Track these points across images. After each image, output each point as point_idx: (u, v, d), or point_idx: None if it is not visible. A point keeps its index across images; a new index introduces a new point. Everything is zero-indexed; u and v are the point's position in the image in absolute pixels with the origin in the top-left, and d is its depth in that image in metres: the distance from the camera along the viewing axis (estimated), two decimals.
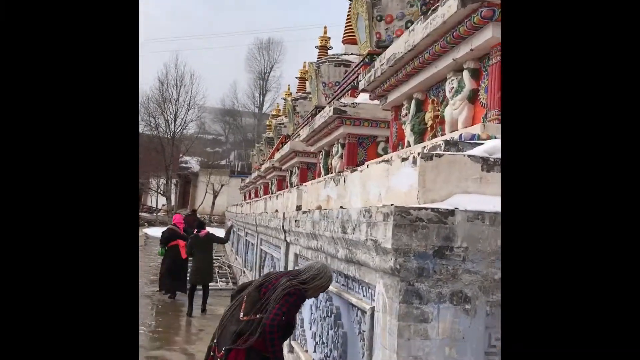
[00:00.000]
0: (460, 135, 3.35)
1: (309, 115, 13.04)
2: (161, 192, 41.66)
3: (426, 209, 2.63)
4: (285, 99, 22.12)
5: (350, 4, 9.52)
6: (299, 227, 5.17)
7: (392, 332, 2.72)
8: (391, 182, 3.19)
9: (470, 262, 2.68)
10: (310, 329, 4.93)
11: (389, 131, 7.04)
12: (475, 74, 3.98)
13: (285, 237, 6.42)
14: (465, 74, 4.02)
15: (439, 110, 4.56)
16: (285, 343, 5.12)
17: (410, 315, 2.67)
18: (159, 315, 10.48)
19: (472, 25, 3.64)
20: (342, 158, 7.75)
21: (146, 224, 32.55)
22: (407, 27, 7.85)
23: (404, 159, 3.02)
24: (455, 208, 2.65)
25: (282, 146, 14.60)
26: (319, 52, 16.50)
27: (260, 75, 55.52)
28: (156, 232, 21.94)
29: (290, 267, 6.22)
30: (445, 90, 4.42)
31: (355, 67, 9.37)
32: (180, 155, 44.88)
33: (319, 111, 9.68)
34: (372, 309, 3.13)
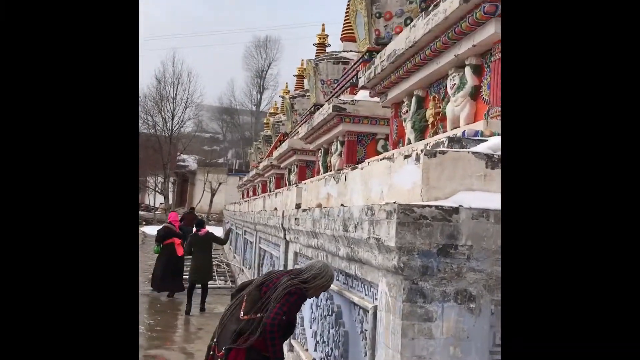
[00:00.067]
0: (463, 132, 3.31)
1: (308, 112, 13.00)
2: (159, 191, 41.60)
3: (430, 206, 2.59)
4: (283, 97, 22.08)
5: (348, 1, 9.48)
6: (298, 225, 5.13)
7: (396, 331, 2.68)
8: (393, 179, 3.16)
9: (474, 260, 2.64)
10: (311, 328, 4.90)
11: (388, 129, 7.00)
12: (477, 70, 3.94)
13: (284, 235, 6.39)
14: (467, 70, 3.98)
15: (440, 107, 4.52)
16: (285, 342, 5.09)
17: (414, 314, 2.63)
18: (158, 314, 10.44)
19: (474, 21, 3.60)
20: (341, 156, 7.71)
21: (144, 223, 32.49)
22: (406, 24, 7.82)
23: (406, 156, 2.98)
24: (460, 206, 2.62)
25: (281, 144, 14.55)
26: (317, 50, 16.43)
27: (258, 74, 55.43)
28: (154, 230, 21.91)
29: (289, 265, 6.19)
30: (446, 87, 4.38)
31: (354, 64, 9.33)
32: (178, 153, 44.84)
33: (318, 109, 9.63)
34: (375, 307, 3.09)
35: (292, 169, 12.49)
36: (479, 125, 3.43)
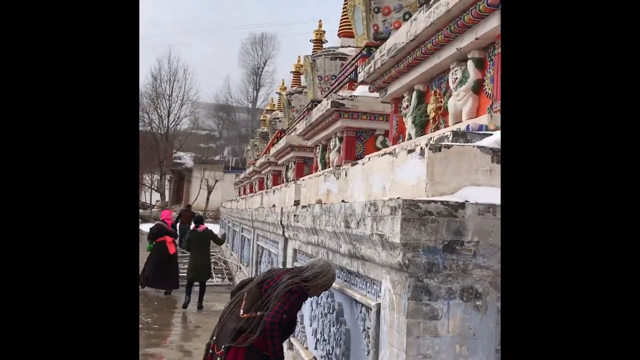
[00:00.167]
0: (468, 126, 3.25)
1: (305, 109, 12.93)
2: (155, 188, 41.43)
3: (435, 202, 2.53)
4: (280, 94, 21.99)
5: None
6: (298, 222, 5.07)
7: (401, 329, 2.62)
8: (396, 174, 3.10)
9: (481, 256, 2.59)
10: (311, 326, 4.84)
11: (387, 124, 6.94)
12: (480, 64, 3.88)
13: (283, 232, 6.32)
14: (470, 64, 3.92)
15: (441, 102, 4.46)
16: (285, 340, 5.03)
17: (419, 312, 2.57)
18: (155, 311, 10.37)
19: (477, 14, 3.54)
20: (340, 152, 7.65)
21: (140, 220, 32.40)
22: (404, 19, 7.77)
23: (410, 151, 2.92)
24: (466, 201, 2.56)
25: (278, 141, 14.49)
26: (314, 46, 16.38)
27: (254, 71, 55.31)
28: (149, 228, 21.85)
29: (288, 262, 6.13)
30: (448, 81, 4.32)
31: (352, 59, 9.26)
32: (174, 151, 44.65)
33: (315, 105, 9.57)
34: (378, 305, 3.04)
35: (290, 165, 12.42)
36: (483, 120, 3.37)
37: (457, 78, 4.07)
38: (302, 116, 12.63)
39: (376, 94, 6.17)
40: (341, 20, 12.12)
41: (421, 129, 4.84)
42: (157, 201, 41.64)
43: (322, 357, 4.37)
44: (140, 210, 38.04)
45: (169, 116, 42.46)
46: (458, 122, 4.03)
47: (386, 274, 2.88)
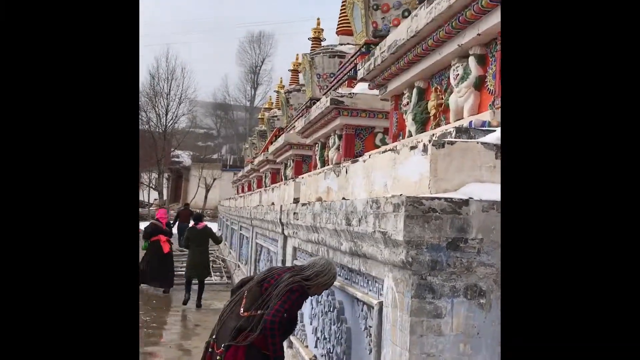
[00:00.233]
0: (470, 123, 3.22)
1: (303, 107, 12.89)
2: (153, 187, 41.35)
3: (439, 198, 2.50)
4: (278, 92, 21.95)
5: None
6: (298, 219, 5.03)
7: (404, 328, 2.59)
8: (399, 171, 3.07)
9: (485, 254, 2.56)
10: (311, 324, 4.81)
11: (386, 122, 6.90)
12: (482, 60, 3.85)
13: (282, 230, 6.29)
14: (471, 60, 3.89)
15: (442, 99, 4.42)
16: None
17: (422, 310, 2.54)
18: (154, 310, 10.33)
19: (479, 9, 3.50)
20: (339, 150, 7.61)
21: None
22: (404, 16, 7.74)
23: (412, 147, 2.89)
24: (470, 198, 2.53)
25: (276, 139, 14.44)
26: (312, 44, 16.32)
27: (252, 69, 55.24)
28: None
29: (288, 261, 6.10)
30: (449, 78, 4.28)
31: (351, 57, 9.23)
32: (172, 149, 44.57)
33: (314, 103, 9.54)
34: (380, 303, 3.00)
35: (288, 163, 12.39)
36: (486, 116, 3.34)
37: (458, 74, 4.04)
38: (300, 114, 12.60)
39: (376, 92, 6.14)
40: (339, 17, 12.07)
41: (422, 126, 4.81)
42: (155, 200, 41.54)
43: (322, 356, 4.34)
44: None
45: (166, 114, 42.35)
46: (459, 119, 4.00)
47: (389, 271, 2.85)
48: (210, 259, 13.39)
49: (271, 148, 13.93)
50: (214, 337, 3.73)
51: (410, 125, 4.99)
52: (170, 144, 42.92)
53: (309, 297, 4.46)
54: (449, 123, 4.20)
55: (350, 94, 7.19)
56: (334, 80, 10.60)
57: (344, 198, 3.89)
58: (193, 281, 10.98)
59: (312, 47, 16.03)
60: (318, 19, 17.01)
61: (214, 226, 16.95)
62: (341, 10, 11.81)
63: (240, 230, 13.57)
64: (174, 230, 22.06)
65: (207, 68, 60.54)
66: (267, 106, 25.56)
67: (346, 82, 9.05)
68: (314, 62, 11.76)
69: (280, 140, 12.17)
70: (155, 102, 42.00)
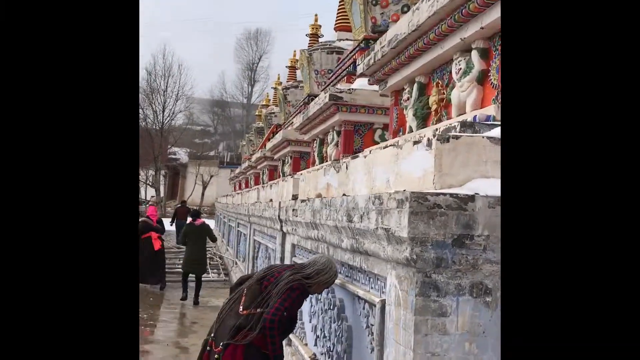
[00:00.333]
0: (475, 117, 3.15)
1: (301, 103, 12.84)
2: (150, 184, 41.25)
3: (444, 194, 2.44)
4: (275, 88, 21.89)
5: None
6: (297, 216, 4.97)
7: (408, 327, 2.53)
8: (401, 167, 3.00)
9: (491, 251, 2.49)
10: (310, 322, 4.75)
11: (386, 118, 6.85)
12: (485, 54, 3.78)
13: (281, 227, 6.22)
14: (474, 54, 3.82)
15: (444, 94, 4.36)
16: None
17: (427, 308, 2.48)
18: (150, 307, 10.26)
19: (483, 2, 3.44)
20: (337, 146, 7.55)
21: None
22: (403, 11, 7.69)
23: (416, 142, 2.83)
24: (476, 193, 2.46)
25: (274, 136, 14.38)
26: (310, 40, 16.26)
27: (249, 66, 55.15)
28: None
29: (287, 257, 6.03)
30: (450, 72, 4.22)
31: (350, 53, 9.16)
32: (169, 146, 44.46)
33: (312, 99, 9.47)
34: (383, 301, 2.94)
35: (286, 160, 12.32)
36: (490, 110, 3.28)
37: (460, 69, 3.98)
38: (298, 110, 12.54)
39: (375, 87, 6.07)
40: (338, 13, 12.01)
41: (422, 122, 4.75)
42: (152, 197, 41.39)
43: (322, 354, 4.28)
44: None
45: (163, 111, 42.27)
46: (462, 114, 3.94)
47: (392, 269, 2.79)
48: (208, 256, 13.34)
49: (269, 145, 13.87)
50: (212, 335, 3.67)
51: (410, 120, 4.93)
52: (167, 141, 42.83)
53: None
54: (451, 118, 4.14)
55: (349, 89, 7.13)
56: (332, 76, 10.54)
57: (344, 194, 3.82)
58: (189, 278, 10.91)
59: (310, 43, 15.97)
60: (316, 15, 16.95)
61: (211, 223, 16.87)
62: (339, 6, 11.75)
63: (238, 227, 13.51)
64: (172, 227, 22.01)
65: (204, 65, 60.32)
66: (264, 103, 25.51)
67: (345, 78, 9.00)
68: (312, 58, 11.70)
69: (278, 137, 12.11)
70: (152, 98, 41.91)
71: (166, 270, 12.56)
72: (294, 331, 5.26)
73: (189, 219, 11.59)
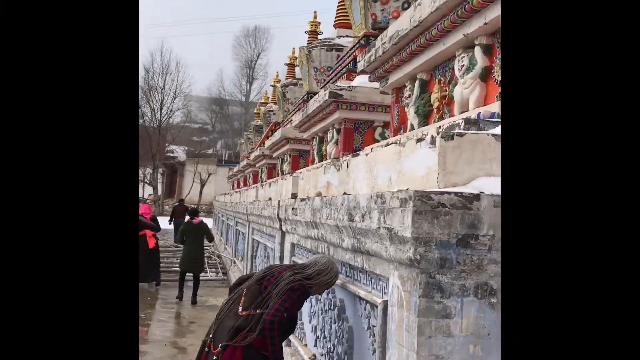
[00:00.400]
0: (479, 114, 3.09)
1: (300, 101, 12.76)
2: (147, 182, 41.16)
3: (449, 193, 2.38)
4: (274, 86, 21.82)
5: None
6: (296, 215, 4.90)
7: (411, 328, 2.47)
8: (404, 165, 2.94)
9: (496, 251, 2.43)
10: (310, 322, 4.69)
11: (386, 116, 6.79)
12: (488, 50, 3.72)
13: (280, 226, 6.16)
14: (477, 50, 3.76)
15: (446, 91, 4.30)
16: None
17: (431, 310, 2.42)
18: (148, 307, 10.19)
19: None
20: (337, 144, 7.49)
21: None
22: (403, 8, 7.61)
23: (419, 140, 2.77)
24: (481, 192, 2.40)
25: (272, 134, 14.31)
26: (309, 37, 16.17)
27: (247, 64, 55.02)
28: None
29: (286, 257, 5.97)
30: (453, 69, 4.16)
31: (349, 50, 9.10)
32: (167, 144, 44.38)
33: (311, 97, 9.40)
34: (385, 302, 2.88)
35: (285, 158, 12.26)
36: (494, 107, 3.22)
37: (463, 65, 3.91)
38: (297, 108, 12.47)
39: (375, 85, 6.01)
40: (337, 10, 11.93)
41: (424, 119, 4.69)
42: (150, 195, 41.38)
43: (322, 355, 4.22)
44: None
45: (161, 109, 42.21)
46: (465, 111, 3.88)
47: (394, 269, 2.73)
48: (206, 255, 13.28)
49: (267, 143, 13.80)
50: (210, 336, 3.61)
51: (412, 118, 4.87)
52: (164, 138, 42.76)
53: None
54: (453, 115, 4.08)
55: (349, 87, 7.06)
56: (331, 73, 10.47)
57: (345, 193, 3.76)
58: (187, 277, 10.84)
59: (309, 40, 15.89)
60: (315, 12, 16.87)
61: (209, 222, 16.84)
62: (339, 2, 11.67)
63: (236, 226, 13.44)
64: (170, 226, 21.95)
65: (202, 62, 60.20)
66: (263, 101, 25.41)
67: (344, 75, 8.93)
68: (311, 55, 11.63)
69: (277, 135, 12.05)
70: (149, 96, 41.84)
71: (164, 269, 12.50)
72: (294, 331, 5.20)
73: (187, 217, 11.53)
